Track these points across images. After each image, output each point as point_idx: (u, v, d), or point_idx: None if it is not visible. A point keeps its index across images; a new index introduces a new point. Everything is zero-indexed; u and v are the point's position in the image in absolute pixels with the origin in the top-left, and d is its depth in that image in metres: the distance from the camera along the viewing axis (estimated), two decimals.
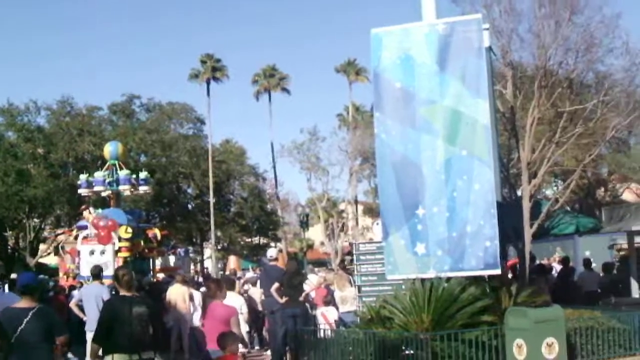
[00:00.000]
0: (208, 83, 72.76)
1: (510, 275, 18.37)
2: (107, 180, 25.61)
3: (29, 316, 8.71)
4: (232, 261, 52.87)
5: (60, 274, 22.87)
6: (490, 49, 15.73)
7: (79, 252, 23.07)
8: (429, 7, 14.78)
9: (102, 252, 22.37)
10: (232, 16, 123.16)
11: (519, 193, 19.02)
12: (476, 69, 14.07)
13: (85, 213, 23.95)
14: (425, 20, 14.78)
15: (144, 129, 56.91)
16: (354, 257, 18.89)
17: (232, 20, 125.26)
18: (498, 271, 13.98)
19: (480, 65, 14.11)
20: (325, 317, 17.35)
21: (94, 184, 25.76)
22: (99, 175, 25.88)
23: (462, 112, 14.00)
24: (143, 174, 27.00)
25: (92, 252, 22.44)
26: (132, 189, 26.39)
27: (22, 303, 8.95)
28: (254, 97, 76.80)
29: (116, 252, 22.73)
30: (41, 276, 26.83)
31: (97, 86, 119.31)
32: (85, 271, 20.90)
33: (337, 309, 18.21)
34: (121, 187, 25.84)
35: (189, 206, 66.13)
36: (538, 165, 18.59)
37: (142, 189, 26.95)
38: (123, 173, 25.88)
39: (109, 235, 22.36)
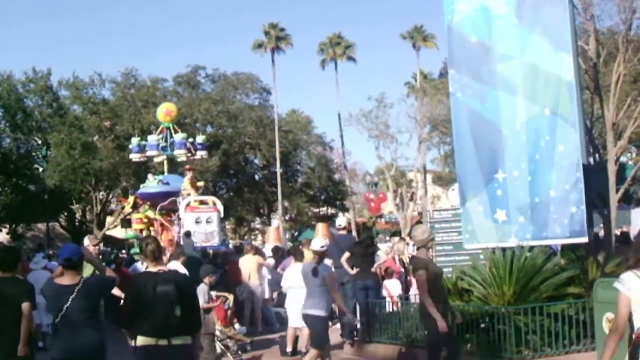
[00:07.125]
0: (272, 53, 72.08)
1: None
2: (161, 145, 25.01)
3: (75, 293, 7.94)
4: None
5: (164, 244, 21.99)
6: (571, 1, 14.70)
7: (179, 219, 22.01)
8: None
9: (208, 220, 21.40)
10: None
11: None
12: (559, 21, 13.15)
13: (150, 177, 23.37)
14: None
15: (209, 100, 56.73)
16: (428, 225, 18.12)
17: None
18: (585, 239, 13.13)
19: (563, 17, 13.20)
20: (388, 290, 16.71)
21: (147, 148, 25.19)
22: (152, 139, 25.31)
23: (544, 68, 13.13)
24: (200, 138, 26.29)
25: (197, 221, 21.33)
26: (189, 154, 25.65)
27: (66, 279, 8.14)
28: (319, 66, 76.00)
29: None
30: (104, 248, 26.51)
31: (161, 58, 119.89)
32: None
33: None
34: (176, 152, 25.22)
35: (256, 177, 65.78)
36: (622, 127, 17.52)
37: (200, 153, 26.10)
38: (178, 136, 25.23)
39: (378, 207, 21.62)
